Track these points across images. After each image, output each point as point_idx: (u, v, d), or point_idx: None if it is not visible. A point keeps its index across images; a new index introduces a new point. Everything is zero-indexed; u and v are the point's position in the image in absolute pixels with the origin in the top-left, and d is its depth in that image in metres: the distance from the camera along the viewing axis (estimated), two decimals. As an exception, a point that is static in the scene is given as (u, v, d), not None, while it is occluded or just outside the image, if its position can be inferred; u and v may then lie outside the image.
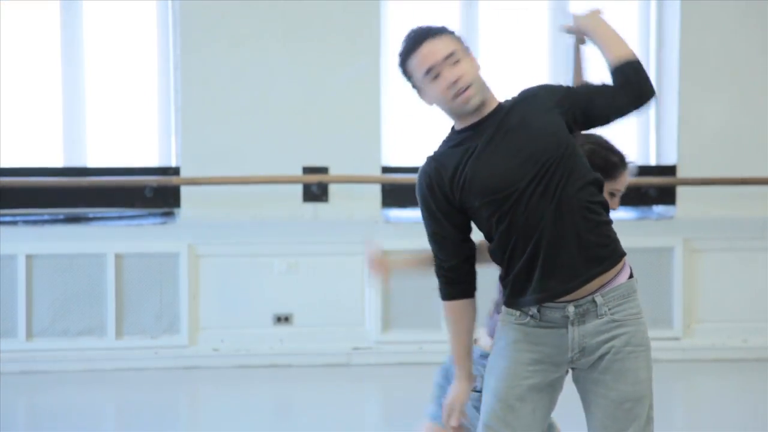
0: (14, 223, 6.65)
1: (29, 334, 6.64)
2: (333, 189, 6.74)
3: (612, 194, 3.55)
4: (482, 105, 3.27)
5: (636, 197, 6.93)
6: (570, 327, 3.27)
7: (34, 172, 6.78)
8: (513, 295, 3.29)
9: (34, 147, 6.84)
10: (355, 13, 6.68)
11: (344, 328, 6.79)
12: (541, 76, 6.85)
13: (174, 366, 6.71)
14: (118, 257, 6.66)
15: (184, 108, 6.68)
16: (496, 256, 3.30)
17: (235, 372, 6.69)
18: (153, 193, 6.76)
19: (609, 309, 3.27)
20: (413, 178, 7.31)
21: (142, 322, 6.72)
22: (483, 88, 3.28)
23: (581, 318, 3.26)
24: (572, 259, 3.22)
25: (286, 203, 6.72)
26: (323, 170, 6.71)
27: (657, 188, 6.93)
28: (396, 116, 6.92)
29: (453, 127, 3.35)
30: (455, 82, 3.22)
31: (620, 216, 6.85)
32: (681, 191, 6.91)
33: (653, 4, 7.01)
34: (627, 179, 3.58)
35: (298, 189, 6.74)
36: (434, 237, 3.32)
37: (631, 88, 3.26)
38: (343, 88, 6.69)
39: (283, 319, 6.80)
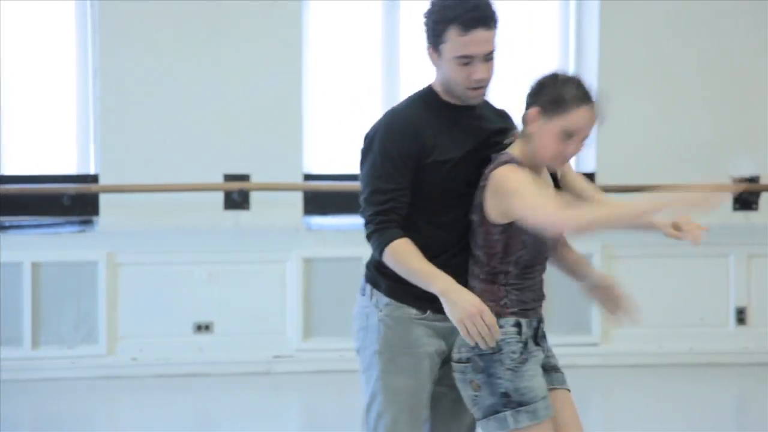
0: (-73, 231, 6.53)
1: (-57, 345, 6.53)
2: (254, 196, 6.71)
3: (568, 134, 3.30)
4: None
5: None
6: None
7: (-52, 179, 6.67)
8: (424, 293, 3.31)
9: (-52, 154, 6.72)
10: (276, 19, 6.67)
11: (265, 337, 6.76)
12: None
13: (92, 376, 6.63)
14: (35, 266, 6.56)
15: (102, 114, 6.61)
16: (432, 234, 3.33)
17: (155, 381, 6.63)
18: (71, 201, 6.67)
19: None
20: (335, 185, 7.31)
21: (60, 332, 6.63)
22: None
23: None
24: None
25: (206, 211, 6.68)
26: (244, 178, 6.68)
27: (576, 196, 7.00)
28: (318, 123, 6.92)
29: (430, 92, 3.36)
30: (479, 80, 3.28)
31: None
32: (599, 199, 6.98)
33: (572, 12, 7.07)
34: (587, 120, 3.30)
35: (219, 196, 6.70)
36: (393, 190, 3.28)
37: None
38: (265, 94, 6.67)
39: (203, 328, 6.76)
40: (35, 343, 6.60)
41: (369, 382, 3.37)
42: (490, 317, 3.21)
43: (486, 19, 3.24)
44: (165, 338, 6.72)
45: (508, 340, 3.28)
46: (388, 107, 3.45)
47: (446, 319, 3.29)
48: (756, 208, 7.02)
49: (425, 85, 3.39)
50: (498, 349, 3.27)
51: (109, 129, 6.60)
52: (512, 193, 3.21)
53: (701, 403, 6.34)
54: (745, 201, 7.01)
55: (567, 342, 6.90)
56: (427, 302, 3.30)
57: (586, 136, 3.35)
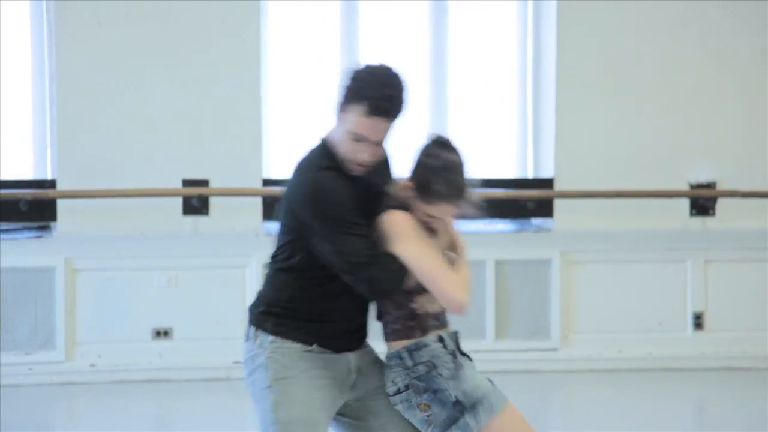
0: None
1: None
2: (213, 202, 6.70)
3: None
4: None
5: (514, 209, 7.03)
6: (348, 352, 3.44)
7: None
8: (319, 330, 3.39)
9: None
10: (235, 26, 6.66)
11: (224, 342, 6.74)
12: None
13: (49, 382, 6.58)
14: (-8, 272, 6.52)
15: (60, 119, 6.56)
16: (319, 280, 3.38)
17: (113, 387, 6.59)
18: (28, 207, 6.62)
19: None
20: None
21: (17, 338, 6.59)
22: None
23: (358, 342, 3.47)
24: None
25: (165, 216, 6.65)
26: (204, 183, 6.66)
27: (535, 201, 7.03)
28: (277, 129, 6.91)
29: (329, 153, 3.38)
30: (364, 161, 3.34)
31: (498, 228, 6.94)
32: (558, 204, 7.03)
33: (529, 14, 7.10)
34: (448, 211, 3.38)
35: (178, 202, 6.67)
36: (364, 235, 3.33)
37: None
38: (224, 100, 6.65)
39: (162, 333, 6.73)
40: (-8, 350, 6.56)
41: (264, 418, 3.39)
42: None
43: (392, 112, 3.30)
44: (124, 344, 6.68)
45: (438, 354, 3.35)
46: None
47: (332, 352, 3.39)
48: (713, 214, 7.07)
49: (319, 143, 3.41)
50: (432, 366, 3.33)
51: (66, 134, 6.56)
52: (395, 238, 3.31)
53: (660, 407, 6.38)
54: (702, 207, 7.07)
55: (526, 347, 6.93)
56: (313, 336, 3.37)
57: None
